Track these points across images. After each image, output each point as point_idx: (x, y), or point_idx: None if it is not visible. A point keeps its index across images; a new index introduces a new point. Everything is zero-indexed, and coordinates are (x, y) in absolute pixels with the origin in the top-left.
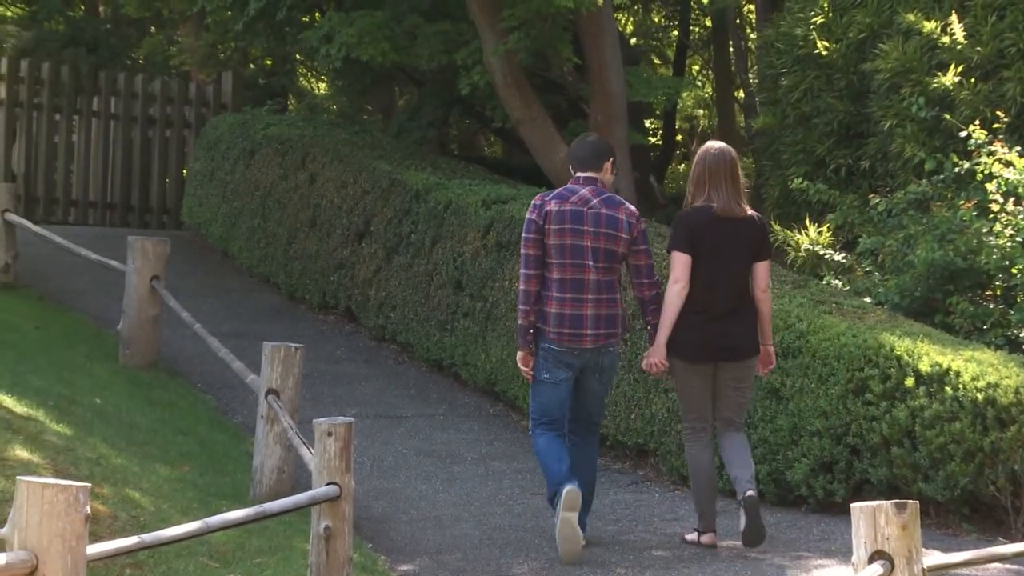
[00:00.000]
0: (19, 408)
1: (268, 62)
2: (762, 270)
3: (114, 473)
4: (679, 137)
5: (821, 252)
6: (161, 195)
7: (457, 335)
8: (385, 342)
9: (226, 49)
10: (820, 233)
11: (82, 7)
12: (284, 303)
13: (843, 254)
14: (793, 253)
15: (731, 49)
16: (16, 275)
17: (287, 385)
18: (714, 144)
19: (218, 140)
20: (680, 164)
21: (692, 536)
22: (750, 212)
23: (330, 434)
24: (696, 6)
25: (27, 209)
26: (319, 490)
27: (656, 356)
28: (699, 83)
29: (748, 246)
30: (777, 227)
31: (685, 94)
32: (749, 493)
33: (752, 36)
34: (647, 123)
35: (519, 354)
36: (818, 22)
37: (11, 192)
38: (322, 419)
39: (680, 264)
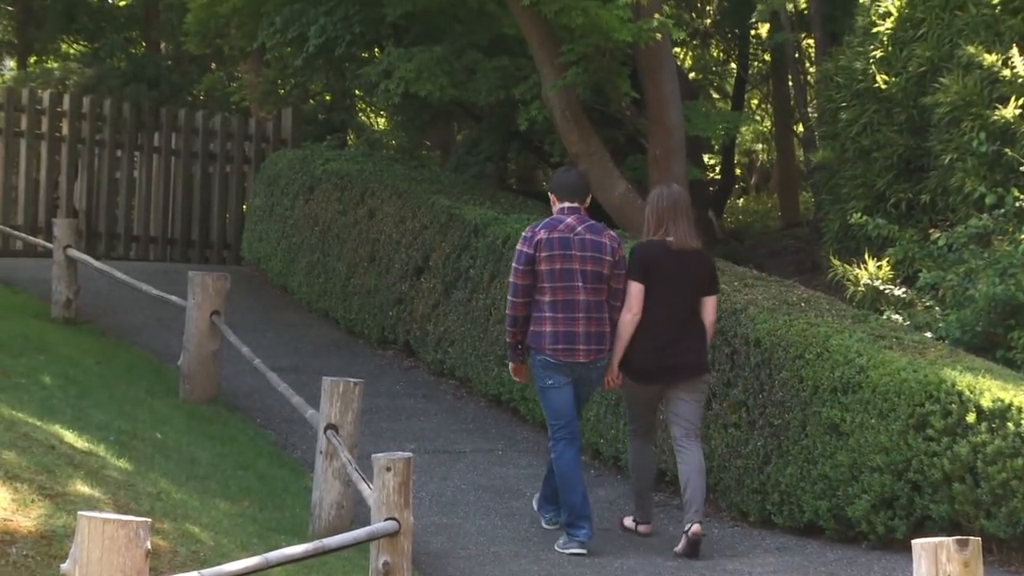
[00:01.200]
0: (80, 443)
1: (327, 98)
2: (710, 304)
3: (174, 508)
4: (738, 171)
5: (881, 287)
6: (221, 230)
7: None
8: (444, 377)
9: (286, 85)
10: (880, 268)
11: (143, 44)
12: (343, 338)
13: (903, 289)
14: (852, 288)
15: (790, 83)
16: (78, 310)
17: (346, 420)
18: (670, 185)
19: (278, 176)
20: (739, 199)
21: (629, 522)
22: (700, 251)
23: (389, 469)
24: (755, 40)
25: (89, 245)
26: (378, 525)
27: (610, 375)
28: (758, 117)
29: (698, 279)
30: (836, 262)
31: (744, 128)
32: (693, 529)
33: (811, 70)
34: (706, 157)
35: (511, 366)
36: (877, 56)
37: (73, 228)
38: (381, 454)
39: (635, 295)
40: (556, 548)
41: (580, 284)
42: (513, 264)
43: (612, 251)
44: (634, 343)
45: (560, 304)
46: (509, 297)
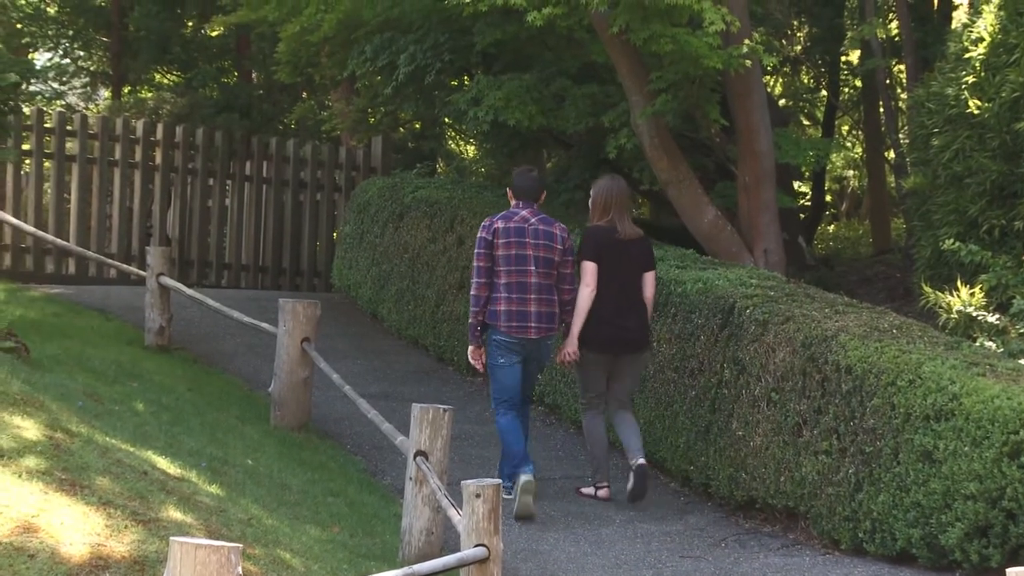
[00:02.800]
0: (173, 469)
1: (417, 126)
2: (650, 278)
3: (265, 534)
4: (829, 198)
5: (974, 314)
6: (312, 258)
7: None
8: (533, 404)
9: (376, 113)
10: (973, 294)
11: (235, 74)
12: (432, 364)
13: (997, 316)
14: (945, 315)
15: (881, 110)
16: (171, 338)
17: (436, 447)
18: (614, 177)
19: (368, 203)
20: (830, 225)
21: (589, 491)
22: (639, 234)
23: (478, 495)
24: (846, 67)
25: (181, 272)
26: (467, 552)
27: (570, 347)
28: (849, 144)
29: (640, 260)
30: (928, 289)
31: (834, 155)
32: (640, 461)
33: (903, 96)
34: (796, 184)
35: (470, 348)
36: (970, 81)
37: (166, 256)
38: (470, 480)
39: (590, 272)
40: (503, 497)
41: (533, 268)
42: (475, 250)
43: (562, 240)
44: (592, 317)
45: (514, 285)
46: (472, 279)
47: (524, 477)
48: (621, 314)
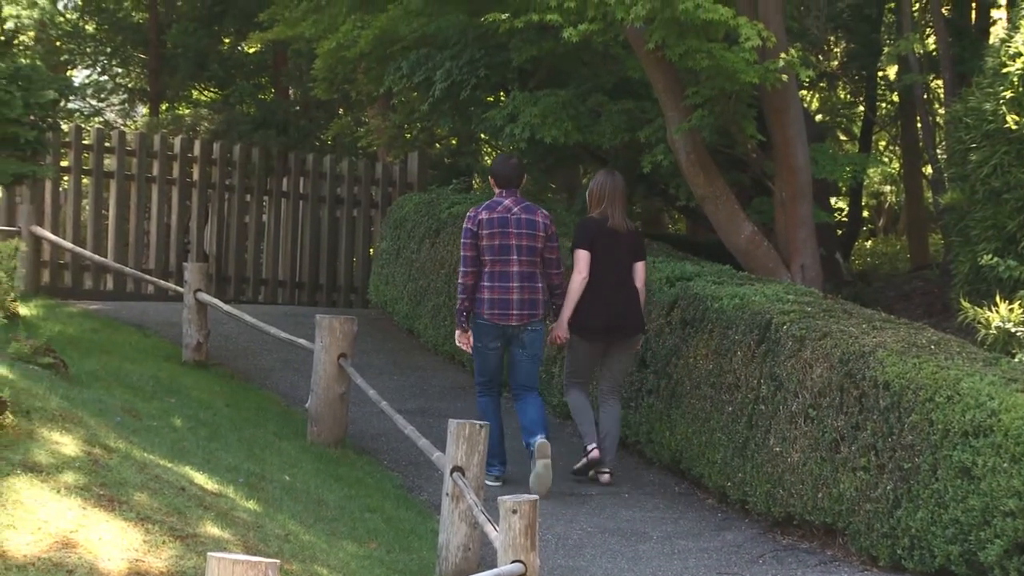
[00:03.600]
0: (210, 485)
1: (453, 142)
2: (640, 268)
3: (302, 550)
4: (866, 214)
5: (1013, 329)
6: (348, 274)
7: (642, 412)
8: (569, 419)
9: (412, 129)
10: (1012, 310)
11: (272, 90)
12: (468, 380)
13: None
14: (984, 331)
15: (919, 125)
16: (208, 353)
17: (472, 462)
18: (612, 173)
19: (404, 219)
20: (867, 241)
21: (582, 462)
22: (631, 226)
23: (515, 511)
24: (883, 82)
25: (218, 288)
26: (504, 568)
27: (560, 331)
28: (886, 159)
29: (631, 250)
30: (966, 304)
31: (871, 170)
32: (604, 478)
33: (940, 111)
34: (833, 200)
35: (457, 333)
36: (1008, 96)
37: (203, 272)
38: (507, 496)
39: (583, 260)
40: (487, 484)
41: (515, 257)
42: (462, 239)
43: (545, 228)
44: (584, 304)
45: (497, 274)
46: (460, 268)
47: (539, 439)
48: (614, 301)
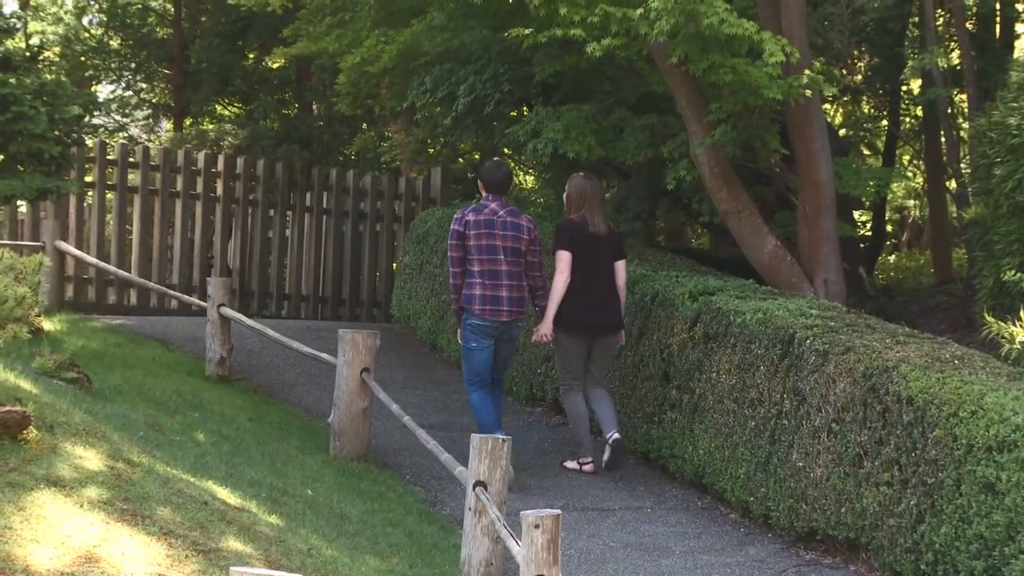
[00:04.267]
0: (233, 499)
1: (476, 156)
2: (620, 267)
3: (325, 564)
4: (890, 228)
5: None
6: (371, 288)
7: (664, 427)
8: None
9: (436, 144)
10: None
11: (296, 105)
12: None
13: None
14: (1008, 345)
15: (942, 139)
16: (231, 368)
17: (495, 477)
18: (590, 178)
19: (427, 234)
20: (891, 255)
21: (573, 465)
22: (611, 228)
23: (537, 526)
24: (906, 96)
25: (242, 303)
26: None
27: (545, 329)
28: (910, 173)
29: (611, 251)
30: (990, 319)
31: (895, 185)
32: (615, 436)
33: (964, 125)
34: (856, 214)
35: (459, 331)
36: None
37: (226, 286)
38: (529, 511)
39: (564, 261)
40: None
41: (503, 257)
42: (449, 241)
43: (528, 231)
44: (568, 303)
45: (487, 273)
46: (449, 268)
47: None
48: (595, 299)
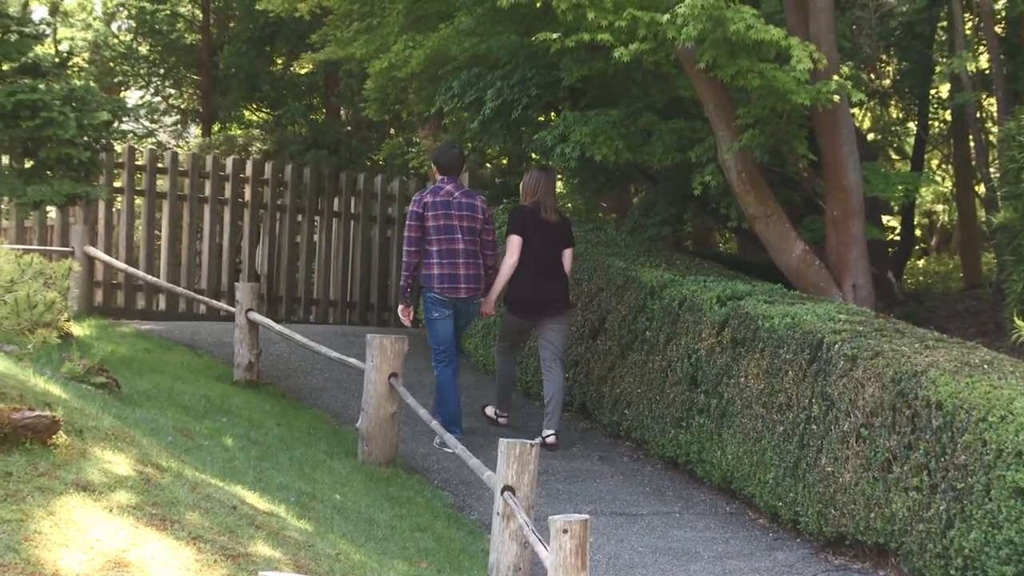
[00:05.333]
0: (262, 504)
1: (504, 161)
2: (568, 254)
3: (353, 569)
4: (918, 232)
5: None
6: (399, 293)
7: (692, 432)
8: (620, 439)
9: (465, 148)
10: None
11: (324, 111)
12: (519, 399)
13: None
14: None
15: (971, 143)
16: (259, 373)
17: (523, 482)
18: (540, 167)
19: None
20: (919, 259)
21: (491, 412)
22: (562, 217)
23: (566, 531)
24: (935, 100)
25: (270, 308)
26: None
27: (487, 308)
28: (938, 178)
29: (561, 238)
30: (1020, 323)
31: (924, 189)
32: (549, 440)
33: (993, 130)
34: (885, 218)
35: (400, 307)
36: None
37: (254, 292)
38: (558, 516)
39: (515, 245)
40: (434, 444)
41: (459, 236)
42: (407, 222)
43: (483, 211)
44: (515, 284)
45: (445, 252)
46: (404, 248)
47: (447, 449)
48: (543, 282)
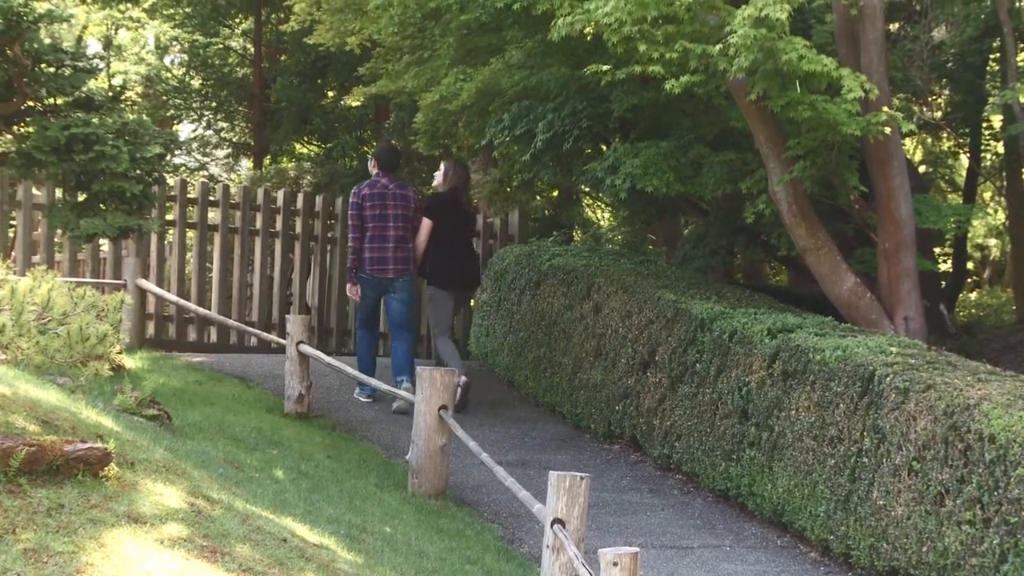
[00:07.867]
0: (312, 536)
1: (554, 194)
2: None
3: None
4: (970, 265)
5: None
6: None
7: (743, 465)
8: (670, 471)
9: (514, 181)
10: None
11: (374, 144)
12: (569, 432)
13: None
14: None
15: None
16: (310, 405)
17: (573, 515)
18: (456, 161)
19: (505, 271)
20: (972, 292)
21: (460, 397)
22: (472, 206)
23: (616, 564)
24: (987, 132)
25: (321, 340)
26: None
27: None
28: (991, 210)
29: (469, 223)
30: None
31: (976, 222)
32: (463, 379)
33: None
34: (937, 250)
35: (348, 285)
36: None
37: (305, 324)
38: (607, 549)
39: (426, 227)
40: (354, 395)
41: (391, 224)
42: (349, 211)
43: (414, 201)
44: (435, 263)
45: (377, 237)
46: (350, 235)
47: (363, 399)
48: (458, 260)
